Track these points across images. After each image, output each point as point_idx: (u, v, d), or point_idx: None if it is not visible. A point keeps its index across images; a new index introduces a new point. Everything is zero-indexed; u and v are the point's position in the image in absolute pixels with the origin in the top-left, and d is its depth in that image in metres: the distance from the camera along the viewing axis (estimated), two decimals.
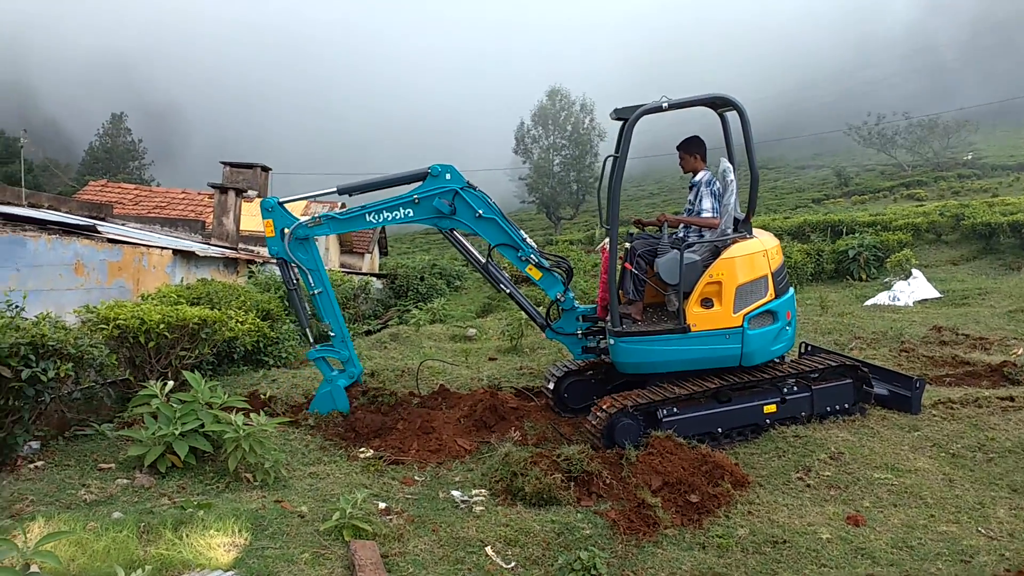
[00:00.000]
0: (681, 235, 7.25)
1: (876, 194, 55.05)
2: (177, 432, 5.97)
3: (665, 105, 6.62)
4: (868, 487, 5.93)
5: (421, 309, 13.44)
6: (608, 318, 6.96)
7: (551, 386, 7.66)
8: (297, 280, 7.41)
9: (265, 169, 28.74)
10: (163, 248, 11.64)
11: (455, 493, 6.00)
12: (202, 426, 6.12)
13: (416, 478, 6.42)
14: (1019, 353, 9.33)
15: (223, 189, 18.78)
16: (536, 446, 6.83)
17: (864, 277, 17.55)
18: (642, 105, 6.71)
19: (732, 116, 7.05)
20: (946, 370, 8.88)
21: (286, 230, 7.15)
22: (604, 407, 6.54)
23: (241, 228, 19.48)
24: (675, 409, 6.59)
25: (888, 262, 16.99)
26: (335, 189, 7.37)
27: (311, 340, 7.56)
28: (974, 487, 5.86)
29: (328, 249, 26.28)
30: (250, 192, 23.59)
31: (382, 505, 5.74)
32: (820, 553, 5.05)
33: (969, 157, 64.33)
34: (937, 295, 14.71)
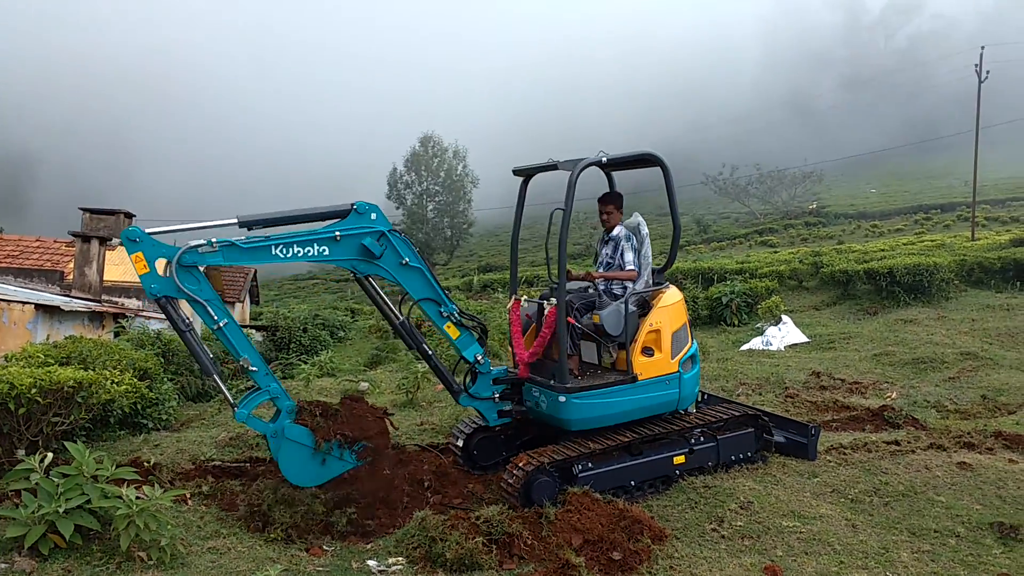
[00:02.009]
0: (602, 287, 7.32)
1: (733, 241, 58.15)
2: (61, 510, 5.43)
3: (604, 160, 6.72)
4: (779, 535, 6.07)
5: (307, 362, 12.96)
6: (542, 377, 6.86)
7: (460, 443, 7.49)
8: (189, 320, 6.22)
9: (129, 216, 27.17)
10: (24, 303, 10.76)
11: (371, 563, 5.73)
12: (88, 502, 5.60)
13: (325, 548, 6.09)
14: (894, 397, 9.93)
15: (85, 238, 17.63)
16: (449, 507, 6.64)
17: (736, 323, 18.29)
18: (583, 159, 6.74)
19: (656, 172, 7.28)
20: (830, 415, 9.32)
21: (163, 260, 5.90)
22: (520, 464, 6.44)
23: (104, 278, 18.32)
24: (590, 464, 6.57)
25: (759, 308, 17.81)
26: (235, 220, 6.43)
27: (232, 402, 6.21)
28: (876, 532, 6.11)
29: None
30: (114, 240, 22.28)
31: None
32: None
33: (814, 206, 69.09)
34: (806, 340, 15.50)
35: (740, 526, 6.22)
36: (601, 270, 7.53)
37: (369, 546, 6.08)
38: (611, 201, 7.44)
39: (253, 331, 17.16)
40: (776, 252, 37.48)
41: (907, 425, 8.73)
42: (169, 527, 5.70)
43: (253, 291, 33.77)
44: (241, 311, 30.63)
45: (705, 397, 8.55)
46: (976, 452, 7.59)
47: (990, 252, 21.45)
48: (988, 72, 37.32)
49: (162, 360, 10.79)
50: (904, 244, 31.30)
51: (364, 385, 11.41)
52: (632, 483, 6.77)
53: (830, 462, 7.41)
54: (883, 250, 26.85)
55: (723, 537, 6.09)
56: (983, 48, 37.59)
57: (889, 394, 10.17)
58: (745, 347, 15.40)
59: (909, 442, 7.80)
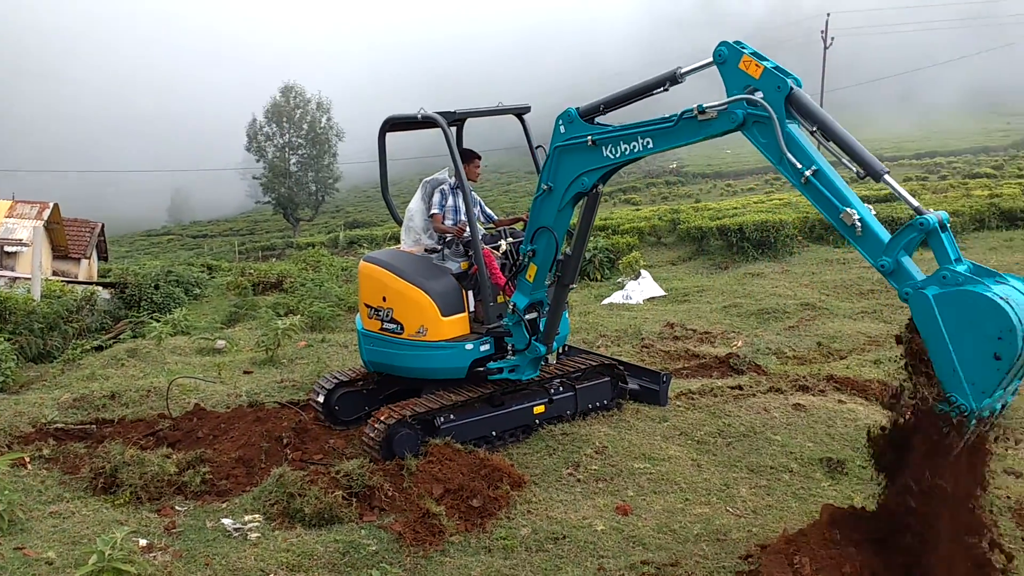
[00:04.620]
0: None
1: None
2: None
3: None
4: (630, 477, 6.38)
5: (159, 320, 12.38)
6: None
7: (321, 399, 7.40)
8: None
9: None
10: None
11: (226, 521, 5.62)
12: None
13: (177, 508, 5.92)
14: (739, 345, 10.53)
15: None
16: (309, 463, 6.58)
17: (599, 277, 18.84)
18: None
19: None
20: (682, 363, 9.79)
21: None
22: (382, 418, 6.44)
23: None
24: (452, 416, 6.65)
25: (620, 263, 18.39)
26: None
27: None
28: (719, 470, 6.52)
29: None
30: None
31: (143, 542, 5.26)
32: (597, 545, 5.35)
33: (674, 166, 71.51)
34: (662, 293, 16.15)
35: (595, 470, 6.48)
36: (461, 218, 7.41)
37: (224, 505, 5.96)
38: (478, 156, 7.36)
39: (100, 288, 16.21)
40: (638, 210, 38.60)
41: (750, 371, 9.29)
42: (6, 492, 5.42)
43: (101, 247, 31.82)
44: (88, 268, 28.84)
45: (566, 349, 8.78)
46: (810, 394, 8.18)
47: None
48: (833, 38, 39.49)
49: None
50: (755, 203, 32.89)
51: (221, 343, 11.05)
52: (493, 433, 6.91)
53: (680, 407, 7.80)
54: (735, 208, 28.18)
55: (579, 481, 6.34)
56: (828, 15, 39.68)
57: (735, 343, 10.78)
58: (606, 301, 15.89)
59: (751, 387, 8.30)
